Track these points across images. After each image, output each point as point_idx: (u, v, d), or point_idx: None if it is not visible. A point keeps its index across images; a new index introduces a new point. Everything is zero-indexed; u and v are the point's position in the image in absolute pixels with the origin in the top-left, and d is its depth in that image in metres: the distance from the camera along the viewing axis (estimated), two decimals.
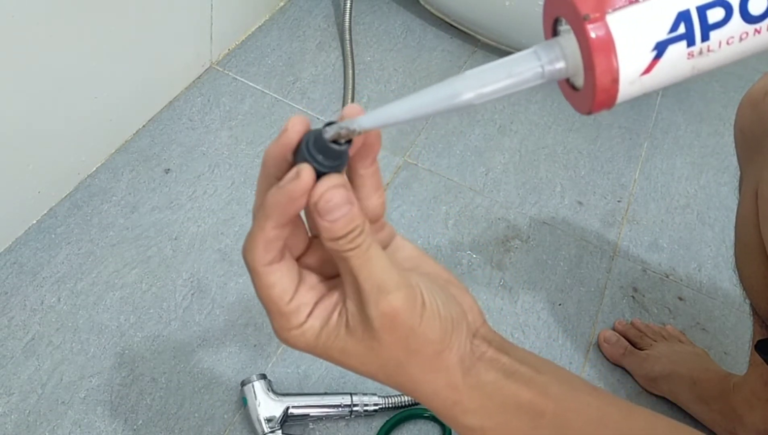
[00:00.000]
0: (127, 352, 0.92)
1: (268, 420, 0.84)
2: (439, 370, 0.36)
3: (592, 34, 0.30)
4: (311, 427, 0.89)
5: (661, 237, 1.21)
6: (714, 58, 0.31)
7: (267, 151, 0.35)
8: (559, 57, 0.32)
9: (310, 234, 0.39)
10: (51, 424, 0.86)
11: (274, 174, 0.35)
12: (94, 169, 1.10)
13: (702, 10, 0.30)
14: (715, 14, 0.30)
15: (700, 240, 1.22)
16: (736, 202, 0.79)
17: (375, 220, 0.38)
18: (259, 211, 0.35)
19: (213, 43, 1.26)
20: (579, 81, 0.32)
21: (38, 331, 0.92)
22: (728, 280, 1.16)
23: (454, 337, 0.36)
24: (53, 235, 1.01)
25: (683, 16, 0.30)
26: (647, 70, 0.31)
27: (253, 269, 0.35)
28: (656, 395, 1.00)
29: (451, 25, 1.45)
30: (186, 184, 1.11)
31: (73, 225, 1.03)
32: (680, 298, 1.13)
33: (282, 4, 1.43)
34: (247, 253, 0.35)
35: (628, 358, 1.01)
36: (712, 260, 1.19)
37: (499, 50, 1.44)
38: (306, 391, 0.92)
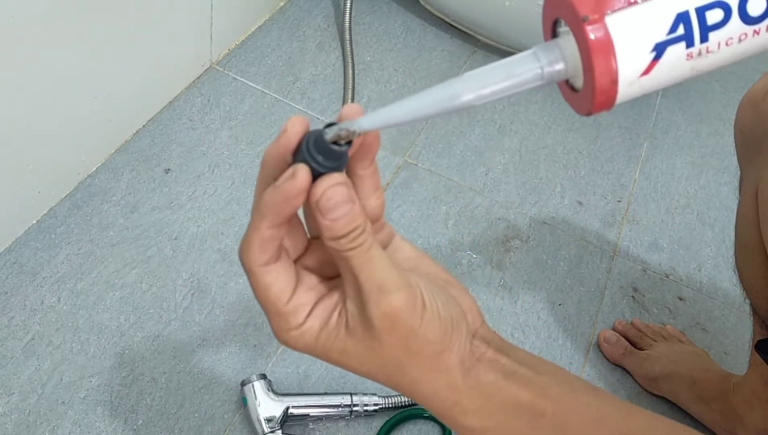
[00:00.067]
0: (127, 352, 0.93)
1: (268, 420, 0.84)
2: (439, 371, 0.36)
3: (591, 36, 0.30)
4: (311, 427, 0.89)
5: (661, 237, 1.21)
6: (713, 59, 0.31)
7: (266, 152, 0.35)
8: (559, 58, 0.32)
9: (309, 235, 0.39)
10: (51, 424, 0.86)
11: (273, 175, 0.34)
12: (94, 169, 1.10)
13: (701, 12, 0.30)
14: (714, 15, 0.30)
15: (700, 240, 1.22)
16: (736, 202, 0.79)
17: (374, 221, 0.38)
18: (254, 211, 0.35)
19: (213, 43, 1.26)
20: (578, 82, 0.32)
21: (38, 331, 0.92)
22: (728, 280, 1.16)
23: (454, 338, 0.36)
24: (53, 235, 1.01)
25: (682, 18, 0.30)
26: (646, 72, 0.31)
27: (249, 270, 0.35)
28: (656, 395, 1.00)
29: (451, 25, 1.45)
30: (186, 184, 1.11)
31: (73, 225, 1.03)
32: (680, 298, 1.13)
33: (282, 4, 1.43)
34: (242, 253, 0.35)
35: (628, 358, 1.01)
36: (712, 260, 1.19)
37: (499, 50, 1.44)
38: (306, 391, 0.92)
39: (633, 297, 1.12)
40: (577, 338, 1.05)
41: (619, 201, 1.25)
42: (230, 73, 1.29)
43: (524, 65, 0.32)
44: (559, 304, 1.08)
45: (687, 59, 0.31)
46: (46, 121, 0.95)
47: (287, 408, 0.86)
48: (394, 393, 0.91)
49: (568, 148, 1.31)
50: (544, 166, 1.27)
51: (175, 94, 1.22)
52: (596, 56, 0.30)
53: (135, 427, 0.87)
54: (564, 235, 1.17)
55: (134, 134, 1.16)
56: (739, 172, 0.80)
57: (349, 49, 1.34)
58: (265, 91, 1.27)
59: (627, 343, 1.03)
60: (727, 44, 0.31)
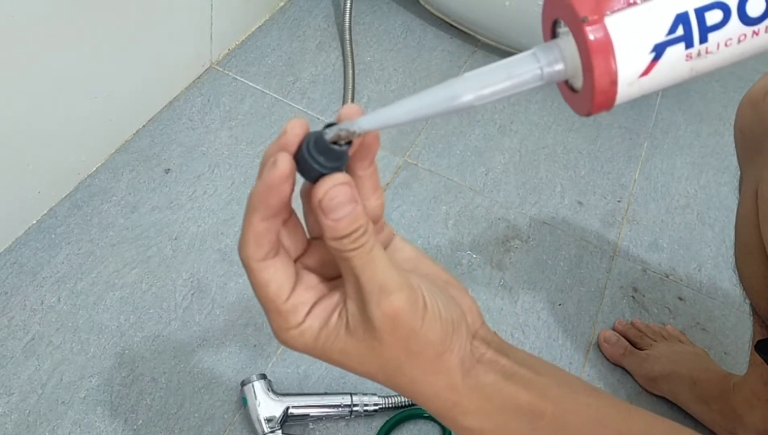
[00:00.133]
0: (127, 352, 0.93)
1: (268, 420, 0.84)
2: (439, 372, 0.36)
3: (591, 36, 0.30)
4: (311, 427, 0.89)
5: (661, 237, 1.21)
6: (712, 60, 0.31)
7: (265, 153, 0.35)
8: (558, 59, 0.32)
9: (308, 235, 0.39)
10: (51, 424, 0.86)
11: None
12: (94, 169, 1.10)
13: (700, 12, 0.30)
14: (714, 16, 0.30)
15: (700, 240, 1.22)
16: (736, 202, 0.79)
17: (374, 221, 0.38)
18: (246, 207, 0.35)
19: (213, 43, 1.27)
20: (578, 83, 0.32)
21: (38, 331, 0.92)
22: (728, 280, 1.16)
23: (454, 339, 0.36)
24: (53, 235, 1.01)
25: (681, 18, 0.30)
26: (646, 72, 0.31)
27: (247, 266, 0.35)
28: (656, 395, 1.00)
29: (451, 25, 1.45)
30: (186, 184, 1.11)
31: (73, 225, 1.03)
32: (680, 298, 1.13)
33: (282, 4, 1.43)
34: (240, 250, 0.35)
35: (628, 358, 1.01)
36: (712, 260, 1.19)
37: (499, 50, 1.44)
38: (306, 391, 0.92)
39: (633, 297, 1.12)
40: (577, 338, 1.05)
41: (619, 201, 1.25)
42: (230, 73, 1.29)
43: (524, 66, 0.32)
44: (559, 304, 1.08)
45: (686, 60, 0.31)
46: (46, 121, 0.96)
47: (287, 408, 0.86)
48: (394, 393, 0.91)
49: (568, 148, 1.31)
50: (544, 166, 1.27)
51: (175, 94, 1.22)
52: (596, 57, 0.30)
53: (135, 427, 0.87)
54: (564, 235, 1.17)
55: (134, 134, 1.16)
56: (739, 172, 0.80)
57: (349, 49, 1.34)
58: (265, 91, 1.27)
59: (627, 343, 1.03)
60: (726, 45, 0.31)
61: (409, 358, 0.35)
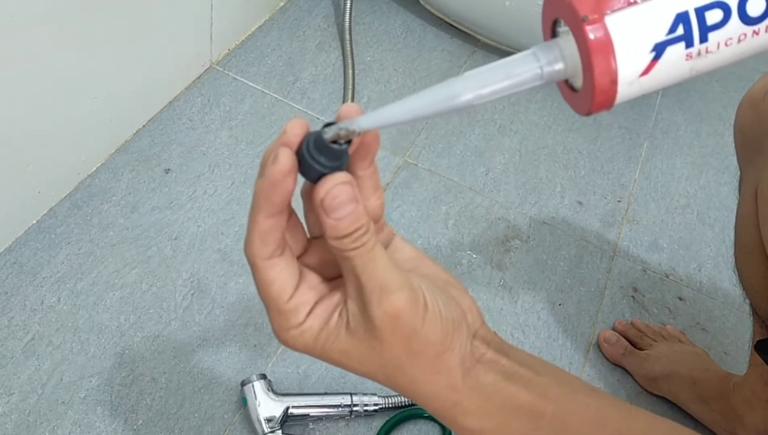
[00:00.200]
0: (127, 352, 0.93)
1: (268, 420, 0.84)
2: (439, 372, 0.36)
3: (591, 36, 0.30)
4: (311, 427, 0.89)
5: (661, 237, 1.21)
6: (712, 60, 0.31)
7: (265, 154, 0.35)
8: (558, 58, 0.32)
9: (308, 235, 0.39)
10: (51, 424, 0.86)
11: None
12: (94, 169, 1.10)
13: (700, 12, 0.30)
14: (714, 16, 0.30)
15: (700, 240, 1.22)
16: (736, 202, 0.79)
17: (374, 221, 0.38)
18: (251, 207, 0.35)
19: (213, 43, 1.27)
20: (578, 82, 0.32)
21: (38, 331, 0.92)
22: (728, 280, 1.16)
23: (455, 339, 0.36)
24: (53, 235, 1.01)
25: (681, 18, 0.30)
26: (646, 72, 0.31)
27: (252, 264, 0.35)
28: (656, 395, 1.00)
29: (451, 25, 1.45)
30: (186, 184, 1.11)
31: (73, 225, 1.03)
32: (680, 298, 1.13)
33: (282, 4, 1.43)
34: (246, 248, 0.35)
35: (628, 358, 1.01)
36: (712, 260, 1.19)
37: (499, 50, 1.44)
38: (306, 391, 0.92)
39: (633, 297, 1.12)
40: (577, 338, 1.05)
41: (619, 201, 1.25)
42: (230, 73, 1.29)
43: (524, 65, 0.32)
44: (559, 304, 1.08)
45: (686, 59, 0.31)
46: (46, 121, 0.95)
47: (287, 408, 0.86)
48: (394, 393, 0.91)
49: (568, 148, 1.31)
50: (544, 166, 1.27)
51: (175, 94, 1.22)
52: (596, 56, 0.30)
53: (135, 427, 0.87)
54: (564, 235, 1.17)
55: (134, 134, 1.16)
56: (739, 172, 0.80)
57: (349, 49, 1.34)
58: (265, 91, 1.27)
59: (627, 343, 1.03)
60: (726, 44, 0.31)
61: (409, 357, 0.35)
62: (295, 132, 0.34)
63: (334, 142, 0.33)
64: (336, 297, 0.37)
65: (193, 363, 0.93)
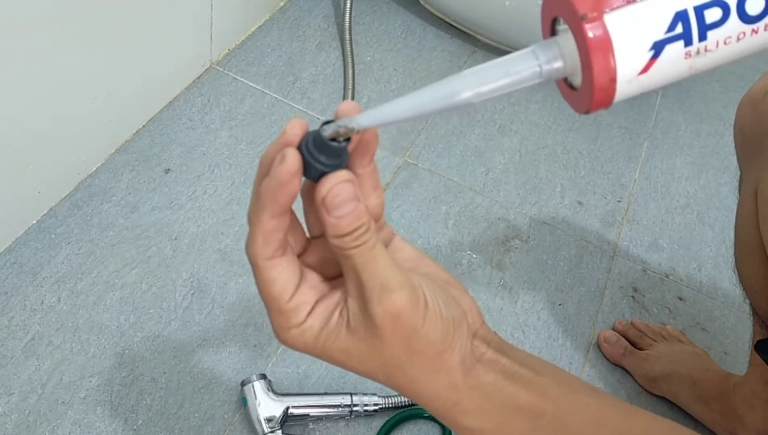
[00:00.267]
0: (127, 352, 0.93)
1: (268, 420, 0.84)
2: (440, 371, 0.36)
3: (590, 34, 0.30)
4: (311, 427, 0.89)
5: (661, 237, 1.21)
6: (711, 58, 0.31)
7: (264, 153, 0.35)
8: (557, 56, 0.32)
9: (308, 234, 0.39)
10: (51, 424, 0.86)
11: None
12: (94, 169, 1.10)
13: (699, 10, 0.30)
14: (713, 14, 0.30)
15: (700, 240, 1.22)
16: (736, 202, 0.79)
17: (374, 220, 0.38)
18: (254, 206, 0.35)
19: (213, 43, 1.27)
20: (577, 80, 0.32)
21: (38, 331, 0.92)
22: (728, 280, 1.16)
23: (455, 338, 0.36)
24: (53, 235, 1.01)
25: (681, 16, 0.30)
26: (645, 70, 0.31)
27: (254, 263, 0.35)
28: (656, 395, 1.00)
29: (451, 25, 1.45)
30: (186, 184, 1.11)
31: (73, 225, 1.03)
32: (680, 298, 1.13)
33: (282, 4, 1.43)
34: (248, 247, 0.35)
35: (628, 358, 1.01)
36: (712, 260, 1.19)
37: (499, 50, 1.44)
38: (306, 391, 0.92)
39: (633, 297, 1.12)
40: (577, 338, 1.05)
41: (619, 201, 1.25)
42: (230, 73, 1.29)
43: (523, 63, 0.32)
44: (559, 304, 1.08)
45: (685, 58, 0.31)
46: (46, 121, 0.96)
47: (287, 408, 0.86)
48: (394, 393, 0.90)
49: (568, 148, 1.31)
50: (544, 166, 1.27)
51: (175, 94, 1.22)
52: (595, 54, 0.30)
53: (135, 427, 0.87)
54: (564, 235, 1.17)
55: (134, 134, 1.16)
56: (739, 172, 0.80)
57: (349, 49, 1.34)
58: (265, 91, 1.27)
59: (627, 343, 1.03)
60: (725, 43, 0.31)
61: (409, 356, 0.35)
62: (295, 132, 0.34)
63: (333, 139, 0.33)
64: (336, 296, 0.37)
65: (193, 363, 0.93)
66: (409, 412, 0.91)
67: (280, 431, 0.84)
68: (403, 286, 0.34)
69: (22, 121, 0.91)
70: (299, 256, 0.38)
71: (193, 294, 0.99)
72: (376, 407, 0.89)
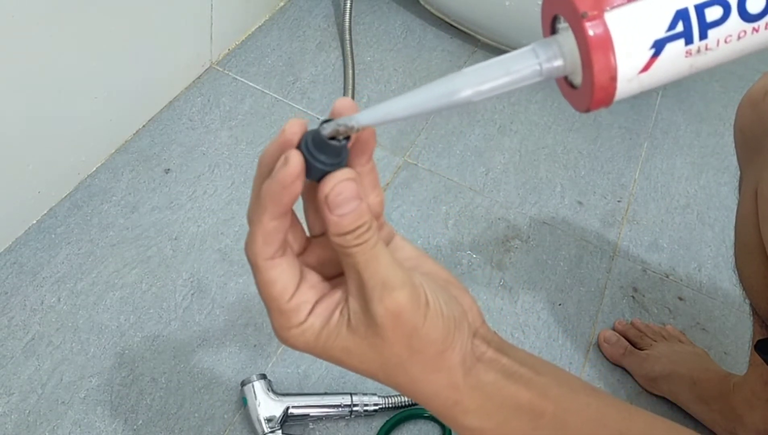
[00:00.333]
0: (127, 352, 0.92)
1: (268, 420, 0.84)
2: (440, 370, 0.36)
3: (590, 32, 0.29)
4: (311, 427, 0.89)
5: (661, 237, 1.21)
6: (712, 57, 0.31)
7: (263, 153, 0.35)
8: (557, 55, 0.32)
9: (308, 234, 0.39)
10: (51, 424, 0.86)
11: (270, 173, 0.35)
12: (94, 169, 1.10)
13: (700, 9, 0.30)
14: (714, 13, 0.30)
15: (700, 240, 1.22)
16: (736, 202, 0.79)
17: (375, 219, 0.38)
18: (254, 206, 0.34)
19: (213, 43, 1.27)
20: (577, 79, 0.32)
21: (38, 331, 0.92)
22: (728, 280, 1.16)
23: (456, 337, 0.36)
24: (53, 235, 1.01)
25: (681, 15, 0.30)
26: (645, 68, 0.31)
27: (254, 264, 0.35)
28: (656, 395, 1.00)
29: (451, 25, 1.45)
30: (186, 184, 1.11)
31: (73, 225, 1.03)
32: (680, 298, 1.13)
33: (282, 4, 1.43)
34: (248, 248, 0.35)
35: (628, 358, 1.01)
36: (712, 260, 1.19)
37: (499, 50, 1.44)
38: (306, 391, 0.92)
39: (633, 297, 1.12)
40: (577, 338, 1.05)
41: (619, 201, 1.25)
42: (230, 73, 1.29)
43: (523, 61, 0.32)
44: (559, 304, 1.08)
45: (686, 56, 0.31)
46: (46, 121, 0.95)
47: (287, 408, 0.86)
48: (394, 393, 0.90)
49: (568, 148, 1.31)
50: (544, 166, 1.27)
51: (175, 94, 1.22)
52: (595, 53, 0.30)
53: (135, 427, 0.87)
54: (564, 235, 1.17)
55: (134, 134, 1.16)
56: (739, 172, 0.80)
57: (349, 49, 1.34)
58: (265, 91, 1.27)
59: (627, 343, 1.03)
60: (726, 42, 0.31)
61: (410, 355, 0.35)
62: (293, 130, 0.34)
63: (333, 138, 0.33)
64: (337, 295, 0.37)
65: (193, 363, 0.93)
66: (409, 412, 0.91)
67: (280, 431, 0.84)
68: (405, 284, 0.34)
69: (22, 121, 0.91)
70: (299, 255, 0.38)
71: (193, 294, 0.99)
72: (376, 407, 0.89)
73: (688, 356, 0.99)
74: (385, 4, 1.49)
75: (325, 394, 0.89)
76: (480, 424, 0.37)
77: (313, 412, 0.87)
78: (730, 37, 0.31)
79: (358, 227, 0.34)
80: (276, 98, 1.26)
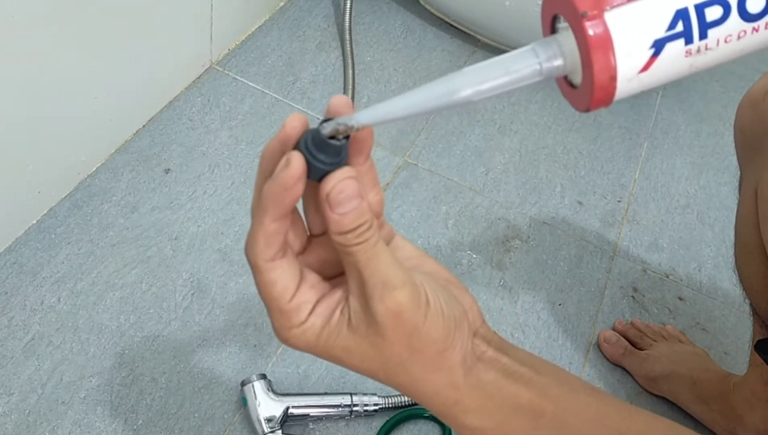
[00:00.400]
0: (127, 352, 0.92)
1: (268, 420, 0.84)
2: (441, 369, 0.36)
3: (590, 32, 0.30)
4: (311, 427, 0.89)
5: (661, 237, 1.21)
6: (712, 57, 0.31)
7: (265, 149, 0.35)
8: (557, 54, 0.32)
9: (308, 233, 0.39)
10: (51, 424, 0.86)
11: (272, 171, 0.35)
12: (94, 169, 1.10)
13: (700, 8, 0.30)
14: (713, 12, 0.30)
15: (700, 240, 1.22)
16: (736, 202, 0.79)
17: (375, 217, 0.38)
18: (256, 206, 0.34)
19: (213, 43, 1.27)
20: (577, 78, 0.32)
21: (38, 331, 0.92)
22: (728, 280, 1.16)
23: (456, 336, 0.36)
24: (53, 235, 1.01)
25: (681, 14, 0.30)
26: (645, 68, 0.31)
27: (254, 265, 0.35)
28: (656, 395, 1.00)
29: (451, 25, 1.45)
30: (186, 184, 1.11)
31: (73, 225, 1.03)
32: (680, 298, 1.13)
33: (282, 4, 1.43)
34: (248, 249, 0.35)
35: (628, 358, 1.01)
36: (712, 260, 1.19)
37: (499, 50, 1.44)
38: (306, 391, 0.92)
39: (633, 297, 1.12)
40: (577, 338, 1.05)
41: (619, 201, 1.25)
42: (230, 73, 1.29)
43: (523, 61, 0.32)
44: (559, 304, 1.08)
45: (686, 56, 0.31)
46: (46, 121, 0.95)
47: (287, 408, 0.86)
48: (394, 393, 0.90)
49: (568, 148, 1.31)
50: (544, 166, 1.27)
51: (175, 94, 1.22)
52: (595, 52, 0.30)
53: (135, 427, 0.87)
54: (564, 235, 1.17)
55: (134, 134, 1.16)
56: (739, 172, 0.80)
57: (349, 49, 1.34)
58: (265, 91, 1.27)
59: (627, 343, 1.03)
60: (726, 41, 0.31)
61: (411, 354, 0.35)
62: (294, 125, 0.34)
63: (332, 137, 0.33)
64: (337, 294, 0.37)
65: (193, 363, 0.93)
66: (409, 412, 0.91)
67: (280, 431, 0.84)
68: (405, 283, 0.34)
69: (22, 121, 0.91)
70: (299, 254, 0.38)
71: (193, 294, 0.99)
72: (376, 407, 0.89)
73: (688, 356, 0.99)
74: (385, 4, 1.49)
75: (325, 394, 0.89)
76: (480, 423, 0.37)
77: (313, 412, 0.87)
78: (730, 37, 0.31)
79: (359, 226, 0.34)
80: (276, 98, 1.26)
